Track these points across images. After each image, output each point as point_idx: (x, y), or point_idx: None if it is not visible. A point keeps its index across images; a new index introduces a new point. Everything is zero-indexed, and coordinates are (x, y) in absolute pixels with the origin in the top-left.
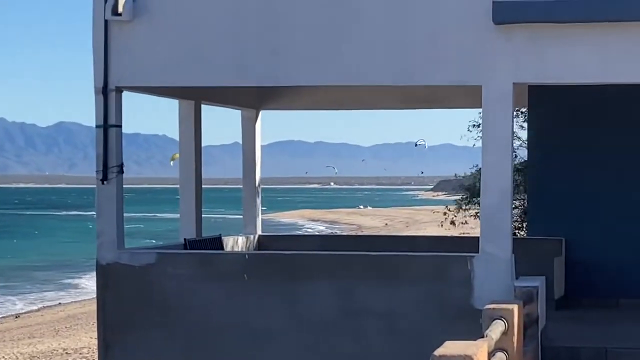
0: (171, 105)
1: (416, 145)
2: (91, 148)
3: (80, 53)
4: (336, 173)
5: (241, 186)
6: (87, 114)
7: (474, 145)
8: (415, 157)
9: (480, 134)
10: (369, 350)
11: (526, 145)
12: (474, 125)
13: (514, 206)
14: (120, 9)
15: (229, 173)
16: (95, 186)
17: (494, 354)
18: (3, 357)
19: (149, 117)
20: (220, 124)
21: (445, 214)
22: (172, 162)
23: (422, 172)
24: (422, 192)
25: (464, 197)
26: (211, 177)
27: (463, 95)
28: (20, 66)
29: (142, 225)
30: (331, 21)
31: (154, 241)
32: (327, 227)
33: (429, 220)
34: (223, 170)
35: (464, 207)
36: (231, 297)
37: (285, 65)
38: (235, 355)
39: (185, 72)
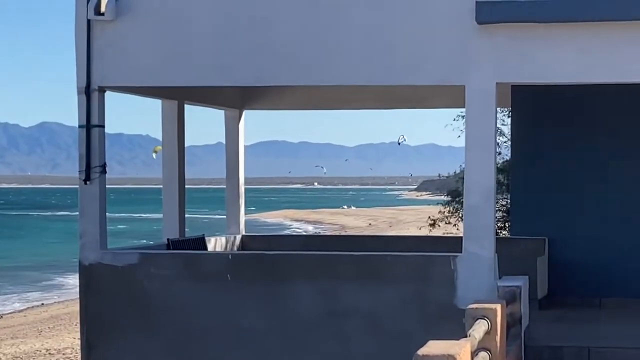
0: (154, 105)
1: (399, 143)
2: (74, 148)
3: (63, 53)
4: (325, 173)
5: (225, 186)
6: (70, 114)
7: (459, 136)
8: (399, 156)
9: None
10: (352, 350)
11: (509, 143)
12: (462, 117)
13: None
14: (102, 9)
15: (213, 173)
16: (78, 186)
17: (476, 354)
18: None
19: (132, 117)
20: (204, 124)
21: (433, 224)
22: (154, 155)
23: (411, 175)
24: (406, 192)
25: (452, 200)
26: (194, 177)
27: (446, 95)
28: (2, 67)
29: (126, 226)
30: (314, 21)
31: (144, 241)
32: (313, 227)
33: (412, 220)
34: (206, 171)
35: (452, 210)
36: (214, 298)
37: (269, 65)
38: (219, 355)
39: (168, 72)
